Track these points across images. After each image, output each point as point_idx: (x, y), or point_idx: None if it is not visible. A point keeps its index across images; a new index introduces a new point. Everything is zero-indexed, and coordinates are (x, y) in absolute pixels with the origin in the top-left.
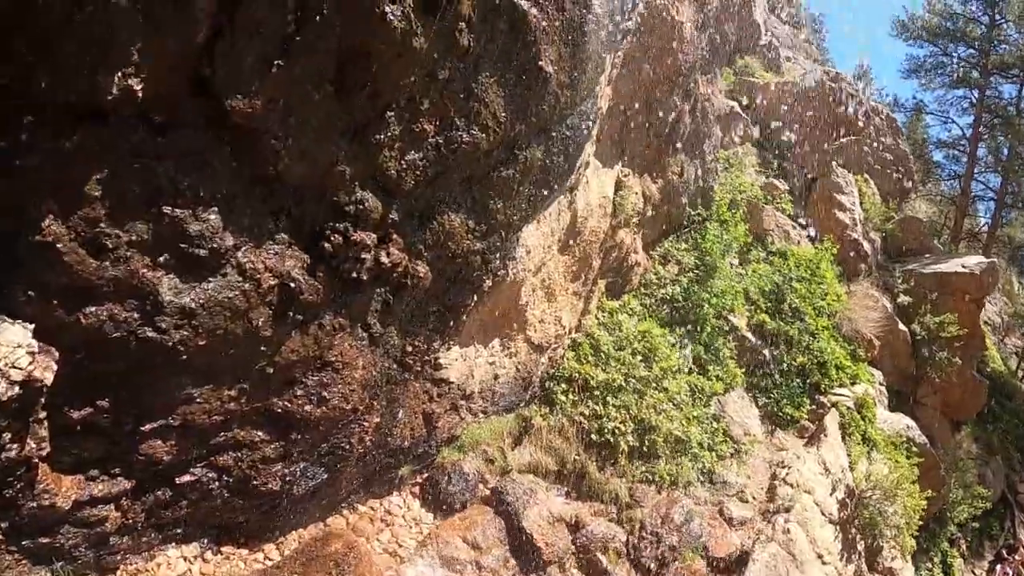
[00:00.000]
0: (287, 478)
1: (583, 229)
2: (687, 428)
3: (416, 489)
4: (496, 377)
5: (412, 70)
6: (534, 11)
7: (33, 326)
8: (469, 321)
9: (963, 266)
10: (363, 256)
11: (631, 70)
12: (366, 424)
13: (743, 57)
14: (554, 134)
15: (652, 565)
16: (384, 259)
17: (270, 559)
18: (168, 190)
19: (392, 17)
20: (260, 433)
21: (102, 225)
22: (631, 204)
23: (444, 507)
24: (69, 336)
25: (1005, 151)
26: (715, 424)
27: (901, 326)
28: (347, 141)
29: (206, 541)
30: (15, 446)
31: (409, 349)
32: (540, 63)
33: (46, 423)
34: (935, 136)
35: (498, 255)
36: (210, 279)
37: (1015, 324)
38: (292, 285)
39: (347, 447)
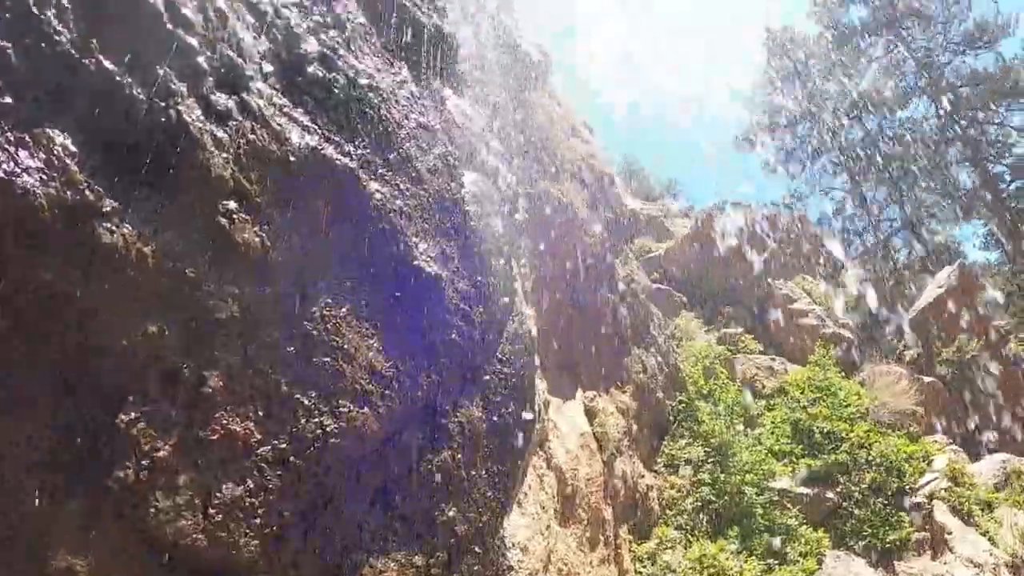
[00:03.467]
0: None
1: (577, 484)
2: None
3: None
4: None
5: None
6: (375, 186)
7: None
8: None
9: (940, 285)
10: None
11: (545, 276)
12: None
13: (633, 241)
14: (487, 377)
15: None
16: None
17: None
18: None
19: None
20: None
21: None
22: (614, 427)
23: None
24: None
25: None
26: None
27: (927, 378)
28: None
29: None
30: None
31: None
32: (416, 262)
33: None
34: (825, 211)
35: None
36: None
37: None
38: None
39: None
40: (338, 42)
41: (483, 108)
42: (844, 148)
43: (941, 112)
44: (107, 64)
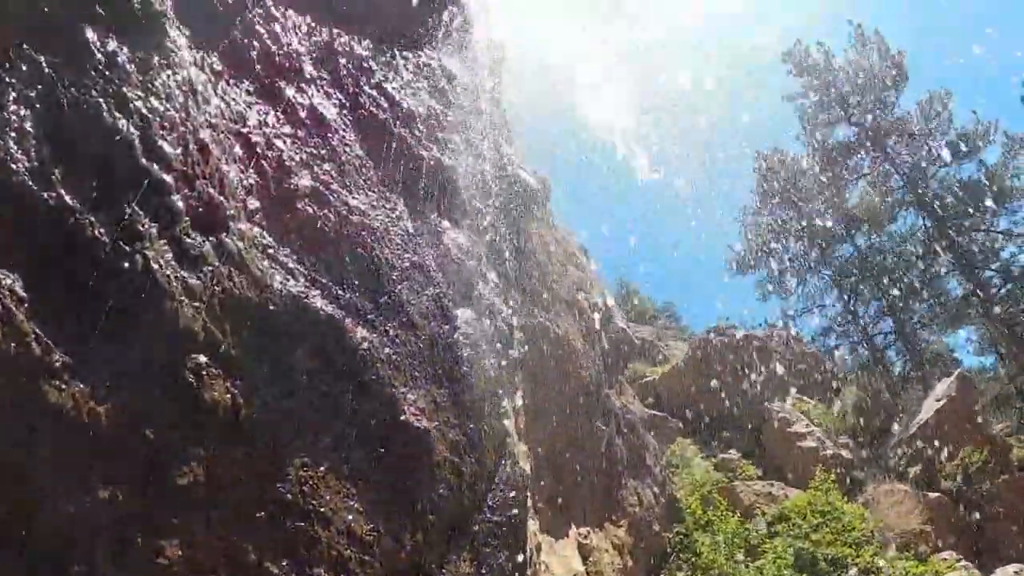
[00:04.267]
0: None
1: None
2: None
3: None
4: None
5: None
6: (362, 333)
7: None
8: None
9: (938, 398)
10: None
11: (539, 411)
12: None
13: (628, 366)
14: (477, 528)
15: None
16: None
17: None
18: None
19: None
20: None
21: None
22: (609, 566)
23: None
24: None
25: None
26: None
27: (933, 494)
28: None
29: None
30: None
31: None
32: (403, 416)
33: None
34: (819, 328)
35: None
36: None
37: None
38: None
39: None
40: (332, 176)
41: (480, 238)
42: (835, 265)
43: (928, 223)
44: (68, 199)
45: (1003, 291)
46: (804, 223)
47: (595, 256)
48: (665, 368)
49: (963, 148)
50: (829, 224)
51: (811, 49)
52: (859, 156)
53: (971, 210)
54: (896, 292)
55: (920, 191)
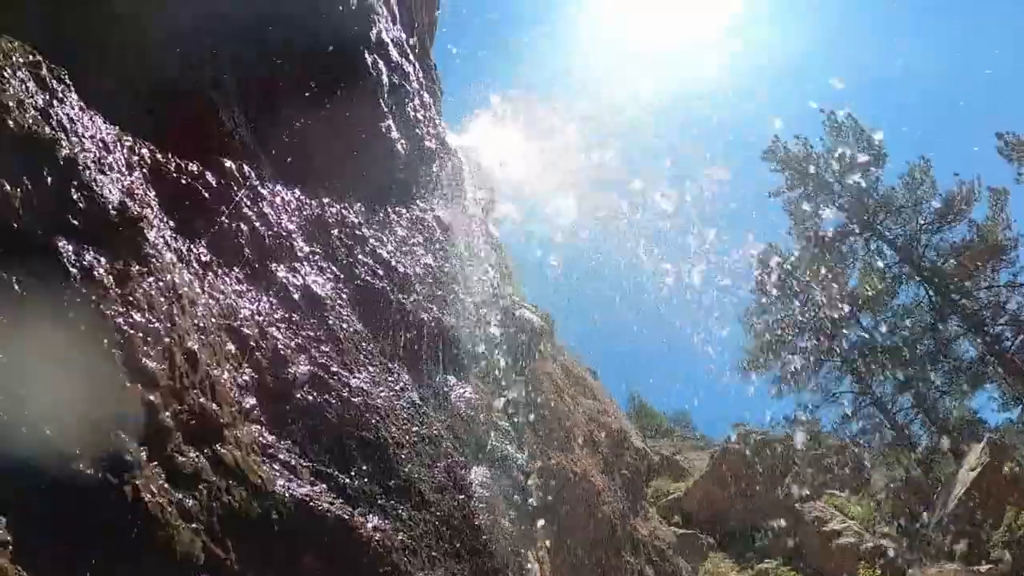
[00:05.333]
0: None
1: None
2: None
3: None
4: None
5: None
6: (375, 522)
7: None
8: None
9: (972, 468)
10: None
11: (564, 552)
12: None
13: (650, 485)
14: None
15: None
16: None
17: None
18: None
19: None
20: None
21: None
22: None
23: None
24: None
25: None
26: None
27: (984, 567)
28: None
29: None
30: None
31: None
32: None
33: None
34: (839, 416)
35: None
36: None
37: None
38: None
39: None
40: (331, 357)
41: (488, 386)
42: (845, 350)
43: (931, 291)
44: (47, 431)
45: (1018, 341)
46: (808, 314)
47: (603, 369)
48: (688, 483)
49: (951, 212)
50: (833, 311)
51: (789, 143)
52: (851, 239)
53: (969, 270)
54: (910, 365)
55: (916, 262)
